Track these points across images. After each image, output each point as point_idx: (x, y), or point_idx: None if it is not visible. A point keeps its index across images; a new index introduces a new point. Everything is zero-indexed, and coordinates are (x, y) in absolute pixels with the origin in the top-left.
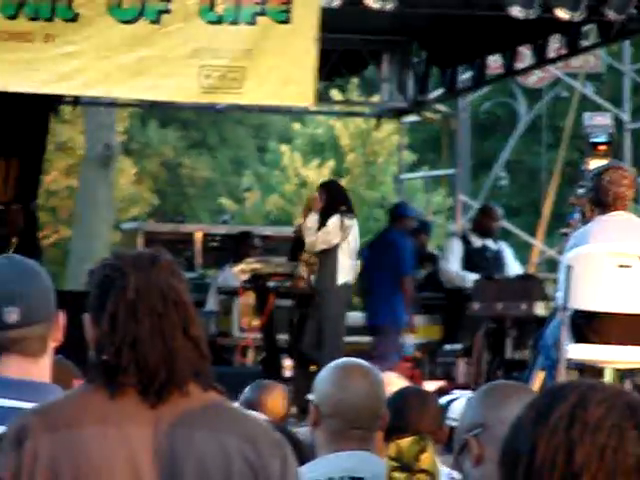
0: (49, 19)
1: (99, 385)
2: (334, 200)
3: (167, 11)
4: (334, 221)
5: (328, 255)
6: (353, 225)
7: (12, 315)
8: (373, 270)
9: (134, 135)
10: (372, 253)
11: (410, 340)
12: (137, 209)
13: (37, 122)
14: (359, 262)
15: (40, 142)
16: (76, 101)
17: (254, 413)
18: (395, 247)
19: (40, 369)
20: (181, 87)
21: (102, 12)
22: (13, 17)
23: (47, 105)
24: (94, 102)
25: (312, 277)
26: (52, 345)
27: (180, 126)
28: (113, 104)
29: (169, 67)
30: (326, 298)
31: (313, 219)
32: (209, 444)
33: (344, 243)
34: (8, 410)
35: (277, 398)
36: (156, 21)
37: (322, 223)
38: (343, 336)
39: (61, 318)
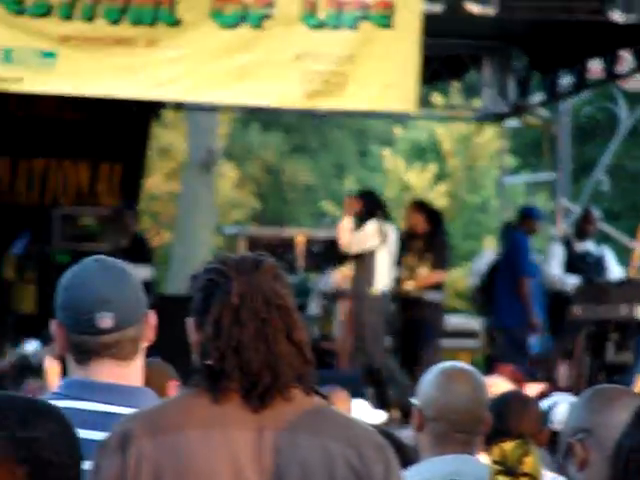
0: (152, 24)
1: (202, 389)
2: (372, 205)
3: (269, 16)
4: (371, 225)
5: (364, 260)
6: (390, 231)
7: (106, 320)
8: (497, 270)
9: (235, 139)
10: (498, 254)
11: (534, 340)
12: (238, 213)
13: (139, 126)
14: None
15: (142, 146)
16: (178, 106)
17: (357, 417)
18: (516, 248)
19: (132, 372)
20: (284, 92)
21: (204, 17)
22: (116, 22)
23: (149, 110)
24: (196, 107)
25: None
26: (144, 346)
27: (282, 130)
28: (215, 108)
29: (271, 72)
30: (362, 304)
31: (348, 221)
32: (312, 448)
33: (383, 250)
34: (101, 415)
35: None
36: (258, 26)
37: (359, 227)
38: (382, 342)
39: (152, 318)
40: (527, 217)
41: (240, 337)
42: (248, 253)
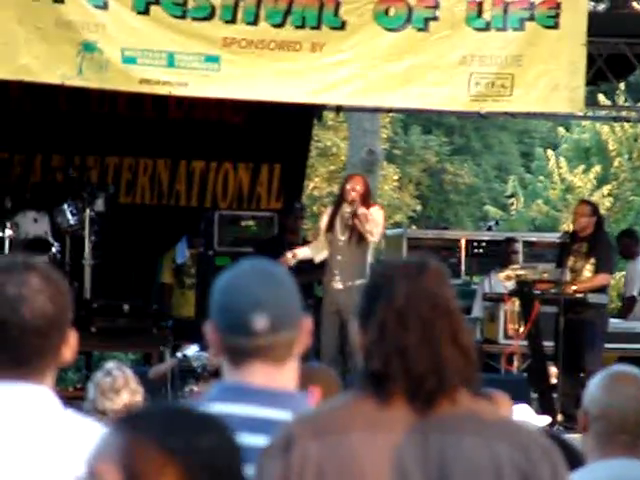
0: (316, 27)
1: (367, 393)
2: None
3: (434, 18)
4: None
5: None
6: None
7: (261, 322)
8: None
9: (397, 141)
10: None
11: None
12: (400, 215)
13: (300, 128)
14: None
15: (303, 148)
16: (339, 107)
17: (524, 420)
18: None
19: (286, 376)
20: (450, 95)
21: (369, 20)
22: (280, 25)
23: (310, 111)
24: (357, 108)
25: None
26: (298, 350)
27: (443, 132)
28: (377, 110)
29: (438, 75)
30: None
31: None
32: (479, 451)
33: None
34: (253, 419)
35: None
36: (424, 29)
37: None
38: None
39: (308, 323)
40: None
41: (405, 340)
42: (412, 256)
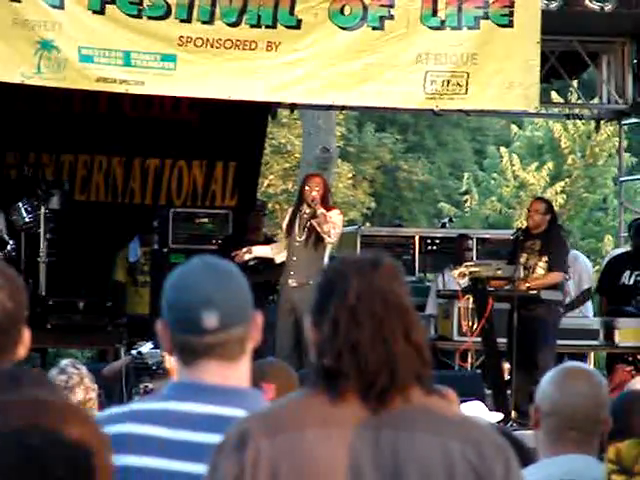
0: (271, 26)
1: (320, 389)
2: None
3: (390, 17)
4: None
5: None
6: None
7: (211, 319)
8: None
9: (351, 139)
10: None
11: None
12: (354, 213)
13: (255, 125)
14: None
15: (258, 145)
16: (293, 105)
17: (477, 417)
18: None
19: (239, 373)
20: (406, 93)
21: (324, 19)
22: (235, 24)
23: (265, 109)
24: (311, 106)
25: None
26: (250, 346)
27: (397, 129)
28: (331, 107)
29: (394, 73)
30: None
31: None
32: (432, 447)
33: None
34: (207, 417)
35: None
36: (379, 27)
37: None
38: None
39: (259, 318)
40: None
41: (357, 337)
42: (366, 253)
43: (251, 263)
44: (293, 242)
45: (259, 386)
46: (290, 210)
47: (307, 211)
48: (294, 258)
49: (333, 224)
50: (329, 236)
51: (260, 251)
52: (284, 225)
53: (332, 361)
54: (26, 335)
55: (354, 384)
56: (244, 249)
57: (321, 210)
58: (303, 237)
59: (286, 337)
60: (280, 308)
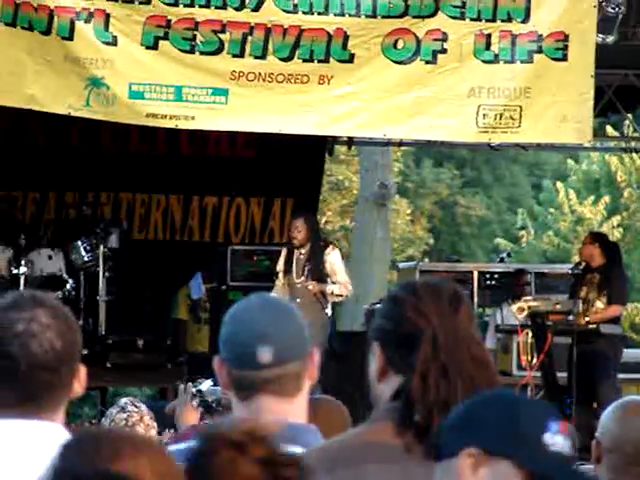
0: (324, 60)
1: (382, 424)
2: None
3: (443, 51)
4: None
5: None
6: None
7: (266, 355)
8: None
9: (409, 174)
10: None
11: None
12: (412, 249)
13: (312, 162)
14: None
15: (316, 182)
16: (350, 141)
17: None
18: None
19: (295, 409)
20: (459, 127)
21: (377, 53)
22: (288, 59)
23: (322, 145)
24: (369, 142)
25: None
26: (308, 383)
27: (454, 164)
28: (388, 143)
29: (446, 107)
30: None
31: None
32: None
33: None
34: None
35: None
36: (432, 61)
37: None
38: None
39: (316, 355)
40: None
41: (448, 394)
42: (440, 283)
43: None
44: (293, 284)
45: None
46: (284, 252)
47: (302, 252)
48: (298, 300)
49: (334, 270)
50: (346, 288)
51: None
52: (279, 267)
53: (423, 419)
54: (82, 373)
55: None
56: None
57: (310, 286)
58: (302, 279)
59: None
60: None
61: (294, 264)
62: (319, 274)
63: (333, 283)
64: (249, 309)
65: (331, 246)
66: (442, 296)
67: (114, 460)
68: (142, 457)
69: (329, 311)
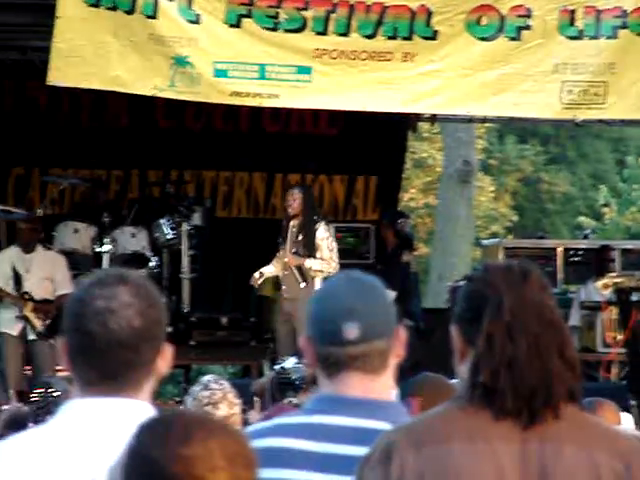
0: (408, 38)
1: (471, 404)
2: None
3: (527, 27)
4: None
5: None
6: None
7: (352, 331)
8: None
9: (492, 151)
10: None
11: None
12: (496, 226)
13: (396, 139)
14: None
15: (399, 159)
16: (434, 118)
17: (624, 429)
18: None
19: (381, 386)
20: (543, 103)
21: (461, 30)
22: (371, 36)
23: (405, 122)
24: (452, 119)
25: None
26: (394, 361)
27: (538, 141)
28: (471, 120)
29: (530, 84)
30: None
31: None
32: (578, 459)
33: None
34: (351, 429)
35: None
36: (516, 38)
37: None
38: None
39: (402, 333)
40: None
41: (513, 353)
42: (512, 262)
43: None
44: (282, 256)
45: (407, 400)
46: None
47: (294, 224)
48: (286, 272)
49: (321, 249)
50: (329, 264)
51: (267, 270)
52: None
53: (489, 378)
54: (168, 352)
55: (509, 402)
56: (256, 274)
57: (291, 260)
58: (293, 250)
59: (286, 345)
60: (279, 319)
61: (288, 237)
62: (309, 248)
63: (320, 259)
64: (336, 286)
65: (323, 222)
66: (512, 269)
67: (185, 443)
68: (213, 440)
69: (303, 285)
